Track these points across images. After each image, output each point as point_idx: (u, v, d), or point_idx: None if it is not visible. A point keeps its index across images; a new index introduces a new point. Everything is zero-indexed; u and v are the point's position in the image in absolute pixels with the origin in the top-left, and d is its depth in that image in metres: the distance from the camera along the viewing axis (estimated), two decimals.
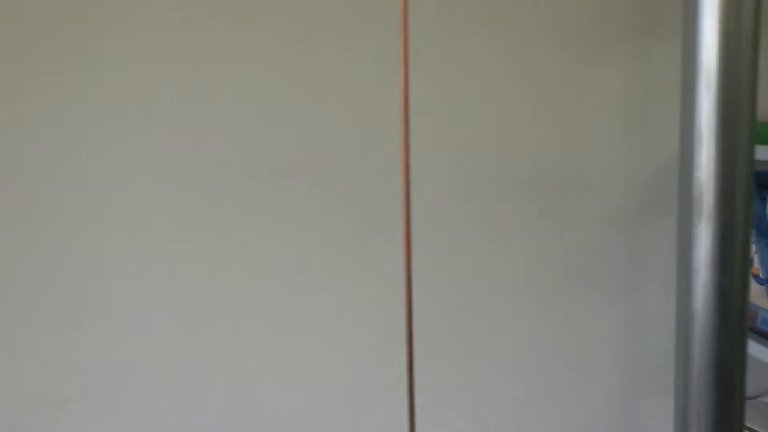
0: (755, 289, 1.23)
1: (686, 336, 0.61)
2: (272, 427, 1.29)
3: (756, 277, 1.23)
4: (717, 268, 0.61)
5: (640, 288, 1.34)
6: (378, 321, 1.28)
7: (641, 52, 1.26)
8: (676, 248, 0.64)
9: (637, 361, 1.37)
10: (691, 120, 0.64)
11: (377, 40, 1.19)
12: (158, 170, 1.20)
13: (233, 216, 1.23)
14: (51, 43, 1.16)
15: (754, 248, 1.23)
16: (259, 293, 1.25)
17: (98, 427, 1.24)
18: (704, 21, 0.66)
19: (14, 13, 1.14)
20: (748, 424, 1.28)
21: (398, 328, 1.27)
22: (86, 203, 1.19)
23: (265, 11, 1.20)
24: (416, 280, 1.26)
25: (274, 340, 1.27)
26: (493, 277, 1.30)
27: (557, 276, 1.32)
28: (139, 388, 1.24)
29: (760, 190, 1.22)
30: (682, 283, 0.62)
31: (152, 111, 1.19)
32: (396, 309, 1.26)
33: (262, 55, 1.21)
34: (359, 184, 1.23)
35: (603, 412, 1.38)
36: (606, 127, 1.30)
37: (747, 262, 0.62)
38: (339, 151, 1.23)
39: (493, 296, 1.32)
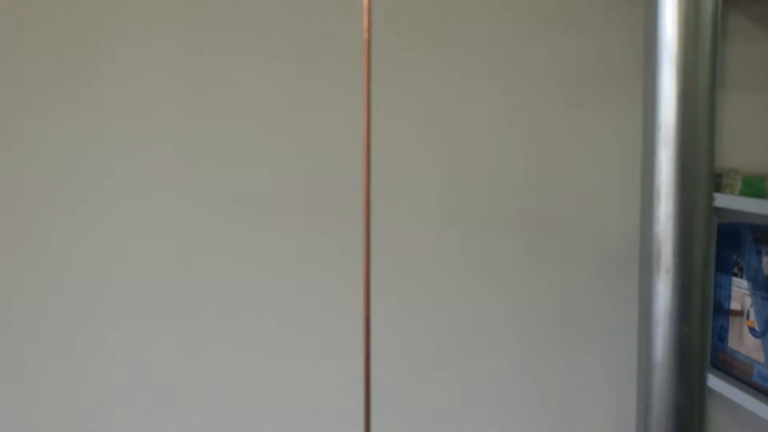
0: (751, 342, 1.24)
1: (646, 385, 0.62)
2: None
3: (752, 330, 1.23)
4: (676, 319, 0.63)
5: (629, 335, 1.34)
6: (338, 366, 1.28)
7: (637, 96, 1.28)
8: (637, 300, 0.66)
9: (626, 411, 1.36)
10: (650, 177, 0.67)
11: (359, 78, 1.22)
12: (150, 204, 1.24)
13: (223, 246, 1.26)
14: (49, 98, 1.22)
15: (749, 301, 1.24)
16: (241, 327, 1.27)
17: None
18: (663, 81, 0.69)
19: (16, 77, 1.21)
20: None
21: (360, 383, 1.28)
22: (84, 240, 1.23)
23: (260, 51, 1.25)
24: (398, 324, 1.28)
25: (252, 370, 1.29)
26: (479, 323, 1.31)
27: (545, 322, 1.33)
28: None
29: (756, 243, 1.24)
30: (643, 334, 0.64)
31: (149, 146, 1.24)
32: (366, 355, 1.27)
33: (253, 94, 1.25)
34: (340, 216, 1.26)
35: None
36: (600, 172, 1.32)
37: (707, 313, 0.64)
38: (320, 184, 1.26)
39: (479, 344, 1.32)
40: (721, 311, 1.30)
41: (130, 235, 1.22)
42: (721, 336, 1.31)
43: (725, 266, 1.29)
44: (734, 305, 1.28)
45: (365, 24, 0.66)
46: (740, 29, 1.32)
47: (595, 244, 1.30)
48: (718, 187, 1.25)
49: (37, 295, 1.22)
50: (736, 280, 1.27)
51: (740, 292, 1.27)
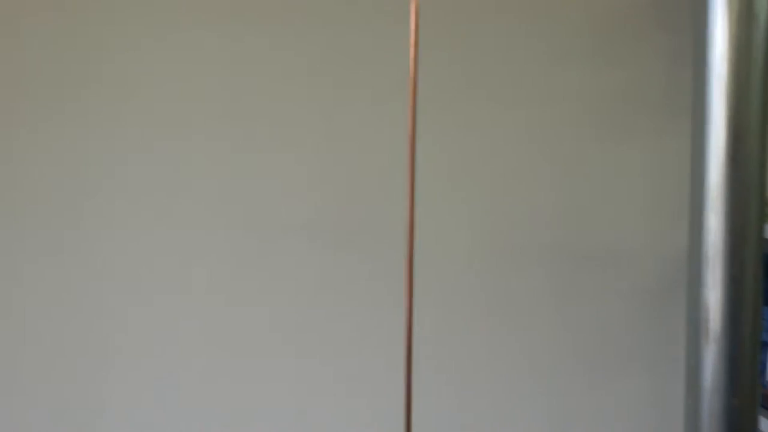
0: None
1: None
2: None
3: None
4: (725, 390, 0.61)
5: (657, 368, 1.32)
6: (377, 392, 1.27)
7: (665, 128, 1.26)
8: (684, 370, 0.64)
9: None
10: (699, 242, 0.65)
11: (394, 104, 1.21)
12: (172, 226, 1.24)
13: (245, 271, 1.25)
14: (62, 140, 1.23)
15: None
16: (262, 349, 1.26)
17: None
18: (711, 143, 0.68)
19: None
20: None
21: (398, 408, 1.27)
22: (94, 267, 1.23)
23: (303, 74, 1.25)
24: (422, 356, 1.26)
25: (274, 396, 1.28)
26: (512, 355, 1.29)
27: (577, 356, 1.30)
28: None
29: None
30: (690, 405, 0.62)
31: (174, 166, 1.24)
32: (397, 384, 1.27)
33: (276, 114, 1.25)
34: (369, 246, 1.25)
35: None
36: (628, 203, 1.30)
37: (757, 384, 0.62)
38: (353, 215, 1.25)
39: (511, 378, 1.30)
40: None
41: (160, 256, 1.22)
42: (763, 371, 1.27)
43: None
44: None
45: (411, 56, 0.66)
46: None
47: (628, 277, 1.27)
48: None
49: (68, 327, 1.23)
50: None
51: None
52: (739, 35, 0.68)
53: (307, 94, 1.26)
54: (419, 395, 1.30)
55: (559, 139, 1.30)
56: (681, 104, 1.27)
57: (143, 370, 1.26)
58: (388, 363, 1.23)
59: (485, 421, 1.31)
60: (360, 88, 1.25)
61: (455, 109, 1.30)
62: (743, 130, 0.67)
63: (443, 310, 1.29)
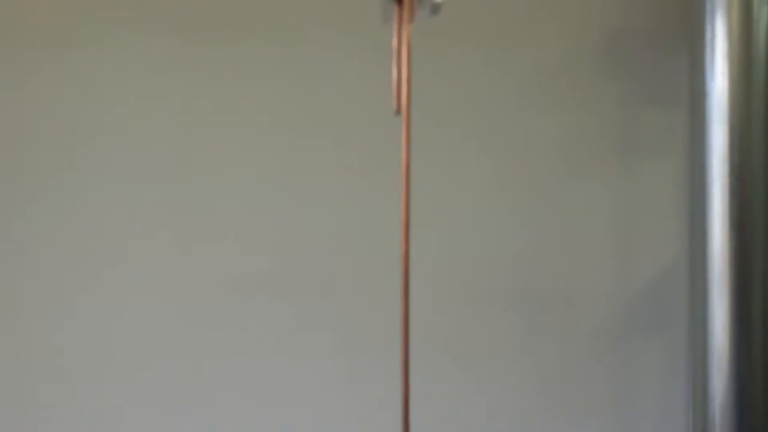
0: None
1: None
2: None
3: None
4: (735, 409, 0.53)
5: (626, 408, 1.28)
6: None
7: (631, 168, 1.27)
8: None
9: None
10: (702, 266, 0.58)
11: (372, 153, 1.18)
12: (153, 284, 1.19)
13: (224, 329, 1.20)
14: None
15: None
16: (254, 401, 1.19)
17: None
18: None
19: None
20: None
21: None
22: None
23: (261, 124, 1.23)
24: (386, 400, 1.18)
25: None
26: (475, 398, 1.24)
27: (540, 396, 1.26)
28: None
29: None
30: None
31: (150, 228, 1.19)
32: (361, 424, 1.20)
33: (258, 171, 1.23)
34: (352, 298, 1.20)
35: None
36: (594, 243, 1.30)
37: None
38: (333, 265, 1.21)
39: (474, 419, 1.25)
40: None
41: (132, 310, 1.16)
42: None
43: None
44: None
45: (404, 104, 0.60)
46: None
47: (589, 319, 1.26)
48: None
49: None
50: None
51: None
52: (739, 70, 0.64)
53: (276, 150, 1.26)
54: None
55: (521, 183, 1.30)
56: (639, 147, 1.26)
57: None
58: (350, 406, 1.17)
59: None
60: (348, 144, 1.24)
61: (418, 155, 1.26)
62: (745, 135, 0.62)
63: (415, 357, 1.22)
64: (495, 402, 1.24)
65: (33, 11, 1.15)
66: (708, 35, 0.64)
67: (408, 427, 0.62)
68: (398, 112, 0.49)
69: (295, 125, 1.22)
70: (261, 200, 1.21)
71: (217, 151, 1.21)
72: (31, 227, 1.14)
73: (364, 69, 1.12)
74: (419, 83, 1.24)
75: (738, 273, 0.54)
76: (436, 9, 0.50)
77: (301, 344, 1.20)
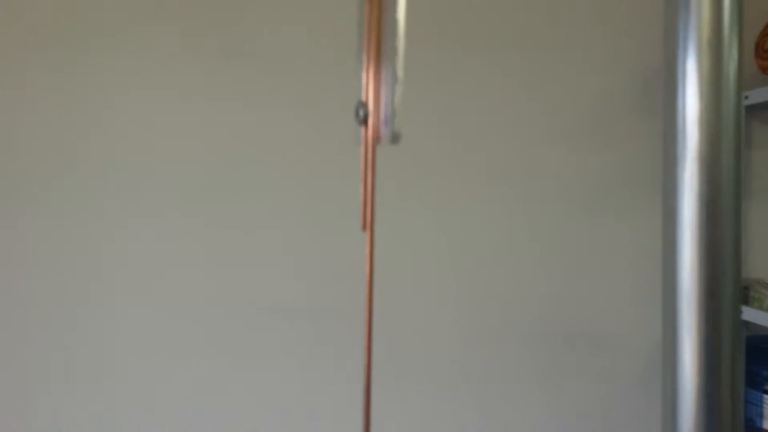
0: None
1: None
2: None
3: None
4: None
5: None
6: None
7: (650, 210, 1.26)
8: None
9: None
10: (672, 287, 0.64)
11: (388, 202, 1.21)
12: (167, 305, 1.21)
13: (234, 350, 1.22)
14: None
15: None
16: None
17: None
18: (685, 188, 0.67)
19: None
20: None
21: None
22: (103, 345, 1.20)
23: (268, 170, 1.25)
24: None
25: None
26: None
27: None
28: None
29: None
30: None
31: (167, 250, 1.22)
32: None
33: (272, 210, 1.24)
34: (347, 329, 1.22)
35: None
36: (623, 282, 1.29)
37: None
38: (336, 296, 1.23)
39: None
40: (753, 429, 1.22)
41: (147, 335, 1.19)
42: None
43: (756, 382, 1.22)
44: (767, 424, 1.20)
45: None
46: (764, 140, 1.32)
47: (612, 358, 1.24)
48: (746, 300, 1.20)
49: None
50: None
51: None
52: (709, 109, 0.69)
53: (295, 188, 1.28)
54: None
55: (550, 220, 1.31)
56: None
57: None
58: None
59: None
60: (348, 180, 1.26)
61: (442, 184, 1.31)
62: (717, 180, 0.67)
63: (428, 387, 1.25)
64: None
65: (69, 51, 1.17)
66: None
67: None
68: (364, 228, 0.55)
69: (324, 154, 1.25)
70: (287, 226, 1.24)
71: (245, 179, 1.25)
72: (64, 260, 1.18)
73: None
74: (443, 108, 1.29)
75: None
76: (396, 139, 0.57)
77: (321, 369, 1.22)
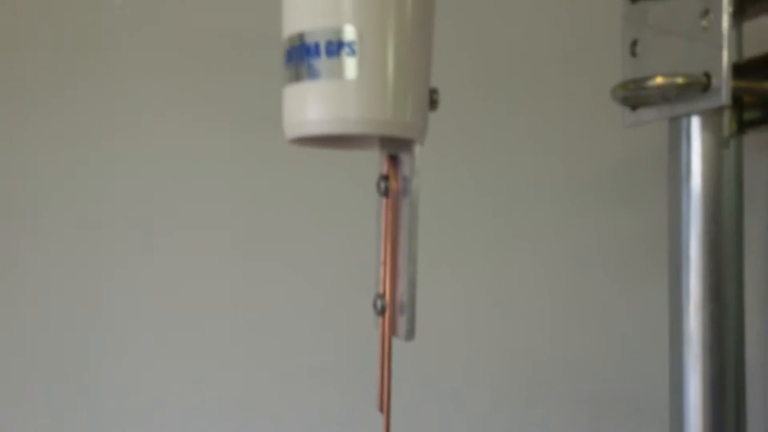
0: None
1: None
2: None
3: None
4: None
5: None
6: None
7: None
8: None
9: None
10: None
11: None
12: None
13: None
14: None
15: None
16: None
17: None
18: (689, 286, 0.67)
19: None
20: None
21: None
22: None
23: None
24: None
25: None
26: None
27: None
28: None
29: None
30: None
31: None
32: None
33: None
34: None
35: None
36: (661, 347, 1.22)
37: None
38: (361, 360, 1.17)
39: None
40: None
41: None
42: None
43: None
44: None
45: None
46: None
47: (653, 425, 1.19)
48: None
49: None
50: None
51: None
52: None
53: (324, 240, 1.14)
54: None
55: (586, 284, 1.20)
56: None
57: None
58: None
59: None
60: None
61: (464, 247, 1.18)
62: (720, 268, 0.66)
63: None
64: None
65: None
66: None
67: None
68: (381, 410, 0.56)
69: (358, 213, 1.13)
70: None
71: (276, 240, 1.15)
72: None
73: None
74: (465, 169, 1.13)
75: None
76: (410, 335, 0.54)
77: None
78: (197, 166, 1.15)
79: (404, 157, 0.51)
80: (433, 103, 0.49)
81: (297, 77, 0.45)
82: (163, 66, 1.12)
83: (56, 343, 1.23)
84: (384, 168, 0.53)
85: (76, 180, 1.15)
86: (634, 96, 0.69)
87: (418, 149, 0.49)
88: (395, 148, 0.51)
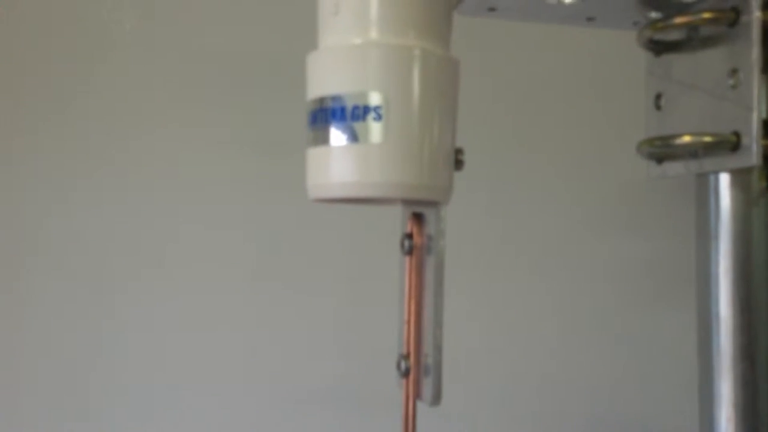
0: None
1: None
2: None
3: None
4: None
5: None
6: None
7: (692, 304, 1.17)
8: None
9: None
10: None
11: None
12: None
13: None
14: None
15: None
16: None
17: None
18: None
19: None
20: None
21: None
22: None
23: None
24: None
25: None
26: None
27: None
28: None
29: None
30: None
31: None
32: None
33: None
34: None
35: None
36: (672, 373, 1.21)
37: None
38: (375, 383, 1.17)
39: None
40: None
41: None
42: None
43: None
44: None
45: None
46: None
47: None
48: None
49: None
50: None
51: None
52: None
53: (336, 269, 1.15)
54: None
55: (597, 309, 1.20)
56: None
57: None
58: None
59: None
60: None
61: (475, 273, 1.18)
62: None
63: None
64: None
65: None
66: None
67: None
68: None
69: (367, 247, 1.14)
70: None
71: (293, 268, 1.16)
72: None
73: None
74: (476, 199, 1.15)
75: None
76: (435, 401, 0.53)
77: None
78: (211, 186, 1.15)
79: (429, 215, 0.50)
80: (458, 164, 0.48)
81: (322, 140, 0.45)
82: (182, 87, 1.12)
83: (67, 358, 1.20)
84: (407, 227, 0.52)
85: (92, 195, 1.14)
86: (660, 152, 0.68)
87: (443, 210, 0.48)
88: (420, 206, 0.51)
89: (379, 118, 0.43)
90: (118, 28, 1.13)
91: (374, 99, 0.43)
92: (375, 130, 0.43)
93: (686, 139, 0.60)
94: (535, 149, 1.19)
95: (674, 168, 0.71)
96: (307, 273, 1.17)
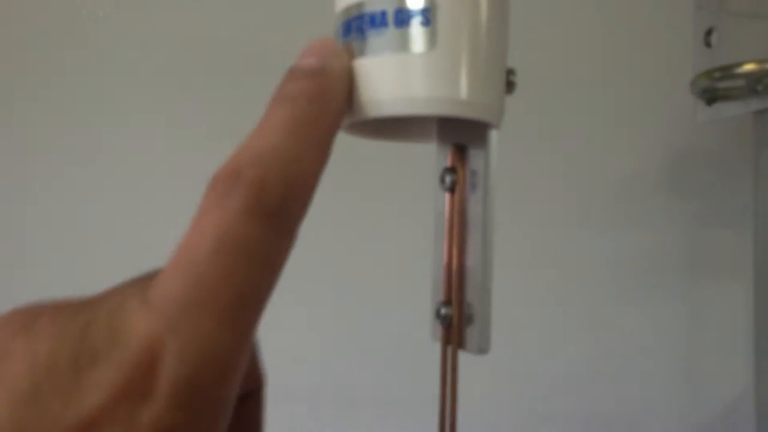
0: None
1: None
2: None
3: None
4: None
5: None
6: None
7: (696, 291, 1.15)
8: None
9: None
10: None
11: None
12: None
13: None
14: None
15: None
16: None
17: None
18: None
19: None
20: None
21: None
22: None
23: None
24: None
25: None
26: None
27: None
28: None
29: None
30: None
31: None
32: None
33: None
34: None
35: None
36: (659, 367, 1.20)
37: None
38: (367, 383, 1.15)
39: None
40: None
41: None
42: None
43: None
44: None
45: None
46: None
47: None
48: None
49: None
50: None
51: None
52: None
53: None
54: None
55: (583, 304, 1.19)
56: (704, 269, 1.13)
57: None
58: None
59: None
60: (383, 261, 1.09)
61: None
62: None
63: None
64: None
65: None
66: None
67: None
68: None
69: (364, 249, 1.11)
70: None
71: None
72: None
73: None
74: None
75: None
76: (483, 349, 0.48)
77: None
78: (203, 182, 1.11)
79: (473, 148, 0.45)
80: (509, 85, 0.43)
81: (357, 52, 0.40)
82: (177, 85, 1.11)
83: None
84: (449, 160, 0.47)
85: (91, 202, 1.13)
86: (714, 88, 0.63)
87: (495, 136, 0.43)
88: (462, 137, 0.46)
89: (426, 23, 0.37)
90: (92, 16, 1.11)
91: (420, 0, 0.37)
92: (421, 37, 0.38)
93: (749, 66, 0.54)
94: (532, 142, 1.17)
95: (729, 108, 0.65)
96: (303, 269, 1.15)
